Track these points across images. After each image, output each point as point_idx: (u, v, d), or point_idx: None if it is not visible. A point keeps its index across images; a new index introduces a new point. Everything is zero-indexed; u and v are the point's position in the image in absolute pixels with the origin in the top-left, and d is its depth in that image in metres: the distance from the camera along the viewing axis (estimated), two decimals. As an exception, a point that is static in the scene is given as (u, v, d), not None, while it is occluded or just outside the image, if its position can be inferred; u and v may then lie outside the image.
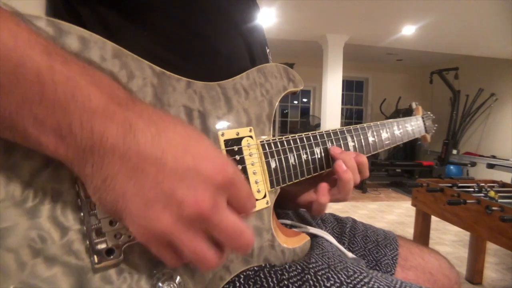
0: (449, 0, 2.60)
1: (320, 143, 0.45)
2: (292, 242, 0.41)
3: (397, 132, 0.60)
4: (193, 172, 0.23)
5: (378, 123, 0.56)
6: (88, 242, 0.26)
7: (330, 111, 3.62)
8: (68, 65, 0.22)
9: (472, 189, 1.56)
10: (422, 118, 0.71)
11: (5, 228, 0.23)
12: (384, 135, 0.56)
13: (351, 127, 0.51)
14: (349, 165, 0.43)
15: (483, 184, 1.60)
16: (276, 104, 0.43)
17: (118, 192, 0.22)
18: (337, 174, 0.43)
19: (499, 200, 1.34)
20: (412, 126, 0.65)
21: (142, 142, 0.22)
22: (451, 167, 4.56)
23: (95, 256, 0.26)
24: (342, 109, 3.92)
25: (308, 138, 0.44)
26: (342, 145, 0.48)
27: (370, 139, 0.53)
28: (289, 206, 0.52)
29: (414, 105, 0.74)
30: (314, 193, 0.46)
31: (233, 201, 0.25)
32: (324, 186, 0.43)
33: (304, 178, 0.43)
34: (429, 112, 0.74)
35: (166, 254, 0.24)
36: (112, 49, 0.29)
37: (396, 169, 4.76)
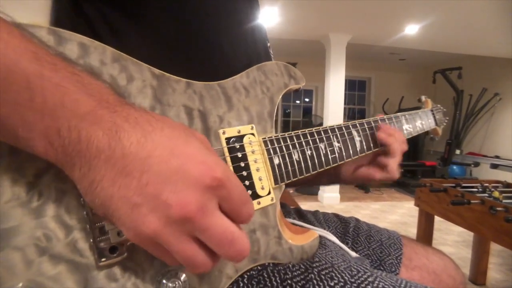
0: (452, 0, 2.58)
1: (324, 138, 0.45)
2: (300, 239, 0.41)
3: (405, 126, 0.59)
4: (179, 175, 0.22)
5: (385, 117, 0.55)
6: (91, 240, 0.26)
7: (333, 111, 3.61)
8: (57, 72, 0.22)
9: (476, 189, 1.55)
10: (432, 111, 0.69)
11: (11, 227, 0.23)
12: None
13: (357, 121, 0.51)
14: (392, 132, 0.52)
15: (487, 184, 1.59)
16: (278, 101, 0.43)
17: (105, 196, 0.22)
18: (381, 140, 0.51)
19: (504, 201, 1.33)
20: (421, 119, 0.64)
21: (127, 145, 0.22)
22: (454, 167, 4.53)
23: (99, 254, 0.26)
24: (344, 108, 3.90)
25: (311, 134, 0.44)
26: (348, 140, 0.48)
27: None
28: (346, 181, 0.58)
29: (423, 98, 0.72)
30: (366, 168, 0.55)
31: (225, 205, 0.24)
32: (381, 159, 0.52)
33: (309, 174, 0.43)
34: (439, 105, 0.72)
35: (164, 254, 0.24)
36: (112, 53, 0.30)
37: (398, 169, 4.74)
